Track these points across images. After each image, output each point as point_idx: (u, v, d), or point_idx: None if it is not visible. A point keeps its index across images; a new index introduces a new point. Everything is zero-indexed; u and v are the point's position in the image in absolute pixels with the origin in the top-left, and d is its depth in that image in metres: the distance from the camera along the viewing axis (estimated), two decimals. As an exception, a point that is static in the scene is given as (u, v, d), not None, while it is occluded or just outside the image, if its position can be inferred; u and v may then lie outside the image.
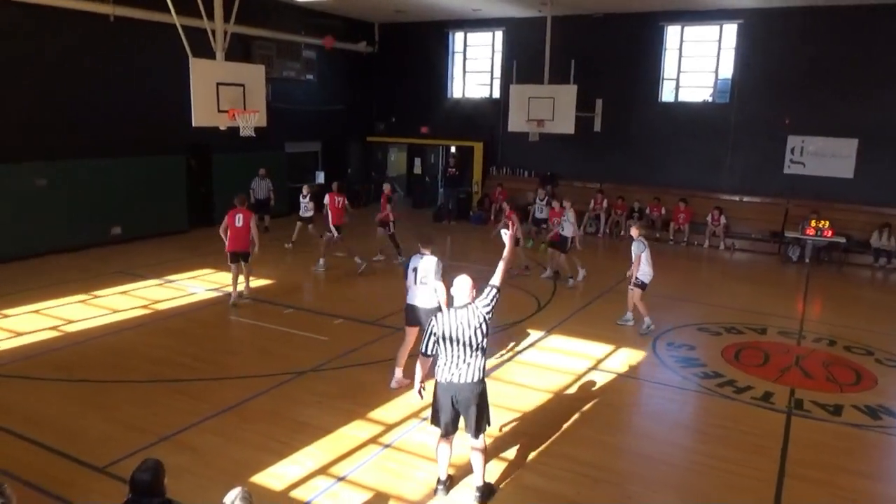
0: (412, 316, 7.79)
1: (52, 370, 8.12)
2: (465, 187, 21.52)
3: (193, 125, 10.91)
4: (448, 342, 5.29)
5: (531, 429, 6.98)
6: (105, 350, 8.89)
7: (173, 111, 12.95)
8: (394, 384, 7.80)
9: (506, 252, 5.71)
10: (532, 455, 6.42)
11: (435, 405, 5.54)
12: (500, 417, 6.90)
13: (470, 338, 5.28)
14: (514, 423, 7.06)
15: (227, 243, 11.10)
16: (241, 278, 11.36)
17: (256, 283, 12.09)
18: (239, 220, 11.12)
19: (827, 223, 15.59)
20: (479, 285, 5.50)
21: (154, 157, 15.78)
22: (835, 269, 15.69)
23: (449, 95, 22.37)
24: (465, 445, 5.66)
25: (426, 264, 7.67)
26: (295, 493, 5.66)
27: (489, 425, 5.62)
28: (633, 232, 10.12)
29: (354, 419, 7.00)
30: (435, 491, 5.68)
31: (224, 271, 12.34)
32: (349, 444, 6.49)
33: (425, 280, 7.64)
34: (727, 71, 18.33)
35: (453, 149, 22.45)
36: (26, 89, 13.33)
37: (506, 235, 5.75)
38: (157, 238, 15.81)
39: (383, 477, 5.95)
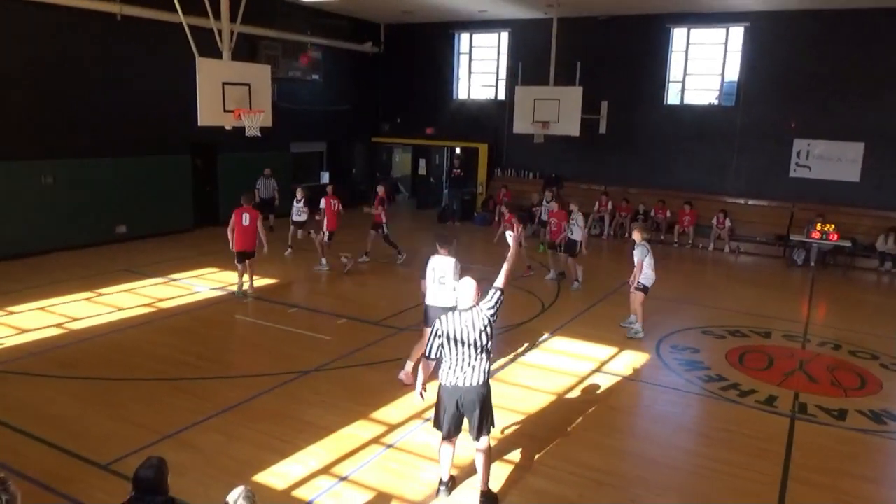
0: (431, 316, 7.79)
1: (56, 367, 8.15)
2: (470, 188, 21.53)
3: (199, 124, 10.96)
4: (453, 345, 5.26)
5: (534, 431, 6.98)
6: (109, 348, 8.91)
7: (179, 110, 13.01)
8: (401, 375, 7.84)
9: (510, 254, 5.72)
10: (535, 457, 6.41)
11: (439, 408, 5.51)
12: (504, 419, 6.89)
13: (475, 340, 5.26)
14: (517, 425, 7.05)
15: (231, 242, 11.19)
16: (246, 276, 11.52)
17: (260, 282, 12.14)
18: (246, 219, 11.25)
19: (832, 227, 15.54)
20: (484, 287, 5.49)
21: (159, 156, 15.83)
22: (840, 272, 15.65)
23: (454, 96, 22.38)
24: (469, 447, 5.66)
25: (444, 264, 7.74)
26: (297, 493, 5.66)
27: (493, 427, 5.60)
28: (636, 236, 10.00)
29: (357, 419, 7.00)
30: (437, 492, 5.68)
31: (228, 270, 12.39)
32: (352, 444, 6.49)
33: (444, 280, 7.71)
34: (733, 74, 18.30)
35: (458, 150, 22.46)
36: (33, 88, 13.38)
37: (510, 238, 5.74)
38: (162, 237, 15.85)
39: (385, 477, 5.95)
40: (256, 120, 11.53)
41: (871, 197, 16.67)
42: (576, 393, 8.03)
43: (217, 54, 11.32)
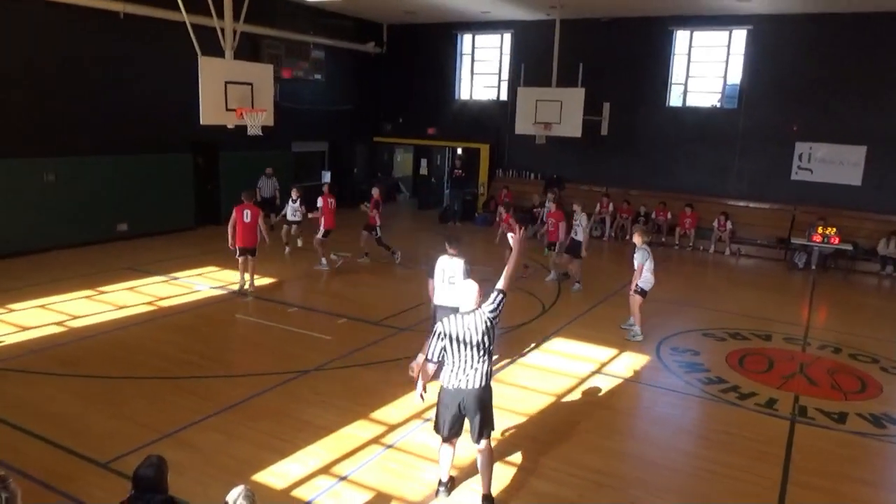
0: (440, 315, 7.80)
1: (57, 365, 8.15)
2: (471, 189, 21.53)
3: (201, 123, 10.96)
4: (455, 347, 5.23)
5: (534, 432, 6.98)
6: (110, 346, 8.91)
7: (181, 109, 13.02)
8: (412, 364, 7.68)
9: (512, 256, 5.70)
10: (535, 458, 6.41)
11: (440, 410, 5.48)
12: (504, 420, 6.89)
13: (477, 343, 5.24)
14: (517, 427, 7.05)
15: (230, 239, 11.36)
16: (247, 276, 11.63)
17: (261, 281, 12.15)
18: (247, 215, 11.42)
19: (834, 230, 15.52)
20: (486, 288, 5.48)
21: (161, 154, 15.85)
22: (841, 276, 15.65)
23: (456, 97, 22.39)
24: (470, 447, 5.65)
25: (454, 264, 7.80)
26: (297, 492, 5.66)
27: (492, 430, 5.57)
28: (637, 239, 9.95)
29: (357, 419, 7.01)
30: (437, 492, 5.68)
31: (230, 269, 12.41)
32: (351, 444, 6.49)
33: (453, 280, 7.75)
34: (736, 77, 18.29)
35: (460, 150, 22.48)
36: (36, 85, 13.39)
37: (512, 240, 5.74)
38: (164, 235, 15.87)
39: (385, 477, 5.95)
40: (258, 119, 11.54)
41: (872, 200, 16.66)
42: (576, 394, 8.03)
43: (220, 53, 11.32)
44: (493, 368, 6.47)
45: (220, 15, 11.25)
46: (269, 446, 6.35)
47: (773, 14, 16.97)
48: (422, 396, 5.59)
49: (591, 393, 8.08)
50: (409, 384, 7.83)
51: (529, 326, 10.46)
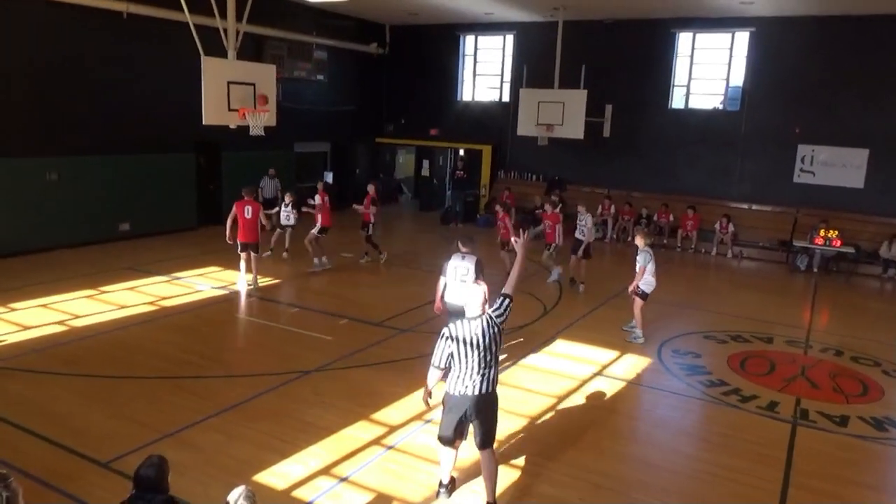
0: (450, 313, 7.93)
1: (58, 364, 8.16)
2: (473, 190, 21.53)
3: (204, 123, 10.97)
4: (462, 353, 5.15)
5: (535, 433, 6.98)
6: (111, 345, 8.92)
7: (184, 109, 13.02)
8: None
9: (517, 260, 5.67)
10: (535, 460, 6.40)
11: (446, 419, 5.38)
12: (505, 422, 6.85)
13: (484, 348, 5.15)
14: (518, 428, 7.04)
15: (228, 231, 11.68)
16: (250, 276, 11.72)
17: (262, 281, 12.16)
18: (248, 211, 11.62)
19: (836, 233, 15.49)
20: (493, 289, 5.48)
21: (163, 154, 15.86)
22: (843, 279, 15.62)
23: (459, 98, 22.40)
24: (471, 449, 5.63)
25: (467, 263, 7.87)
26: (297, 493, 5.66)
27: (494, 438, 5.50)
28: (639, 241, 9.93)
29: (358, 420, 7.00)
30: (437, 494, 5.67)
31: (231, 269, 12.42)
32: (352, 445, 6.49)
33: (465, 279, 7.82)
34: (738, 79, 18.28)
35: (462, 151, 22.48)
36: (39, 84, 13.41)
37: (518, 244, 5.73)
38: (166, 235, 15.88)
39: (386, 478, 5.95)
40: (261, 119, 11.56)
41: (874, 203, 16.65)
42: (577, 396, 8.02)
43: (222, 53, 11.34)
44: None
45: (224, 15, 11.27)
46: (269, 447, 6.35)
47: (776, 16, 16.95)
48: (426, 402, 5.52)
49: (593, 395, 8.07)
50: (410, 385, 7.86)
51: (531, 328, 10.45)
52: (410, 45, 22.32)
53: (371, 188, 14.29)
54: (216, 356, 8.90)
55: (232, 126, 11.67)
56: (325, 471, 6.02)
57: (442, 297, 8.19)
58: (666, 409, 7.97)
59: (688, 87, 19.05)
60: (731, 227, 17.31)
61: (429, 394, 5.50)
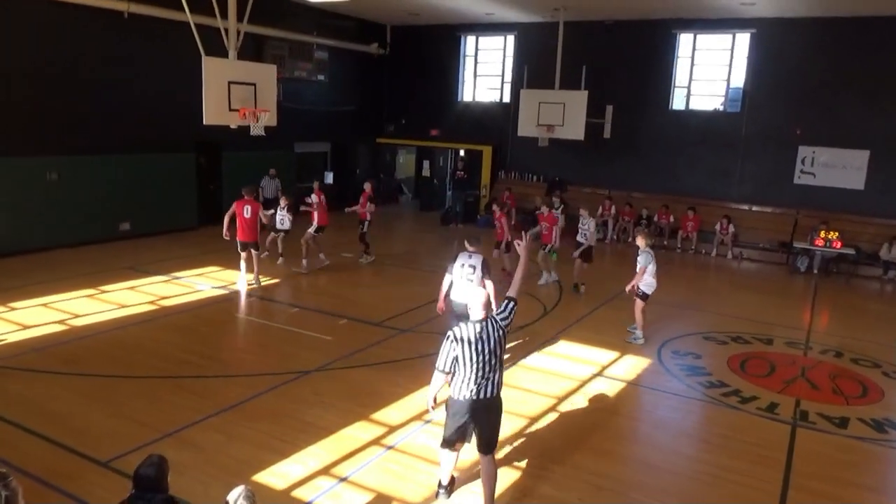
0: (456, 311, 7.98)
1: (58, 364, 8.16)
2: (474, 191, 21.53)
3: (204, 123, 10.98)
4: (467, 357, 5.07)
5: (535, 434, 6.97)
6: (111, 345, 8.92)
7: (184, 109, 13.03)
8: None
9: (520, 263, 5.67)
10: (535, 461, 6.40)
11: (448, 421, 5.33)
12: (505, 423, 6.81)
13: (490, 351, 5.09)
14: (518, 428, 7.04)
15: (225, 229, 11.77)
16: (250, 267, 11.87)
17: (262, 281, 12.16)
18: (247, 210, 11.67)
19: (836, 234, 15.50)
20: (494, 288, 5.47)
21: (164, 154, 15.86)
22: (843, 280, 15.62)
23: (459, 99, 22.40)
24: (471, 450, 5.62)
25: (474, 262, 7.93)
26: (297, 493, 5.66)
27: (496, 444, 5.46)
28: (640, 242, 9.92)
29: (358, 420, 7.00)
30: (436, 494, 5.67)
31: (232, 269, 12.42)
32: (352, 445, 6.48)
33: (472, 277, 7.88)
34: (739, 80, 18.28)
35: (462, 152, 22.48)
36: (40, 84, 13.41)
37: (520, 247, 5.72)
38: (166, 235, 15.88)
39: (385, 479, 5.94)
40: (262, 119, 11.58)
41: (875, 205, 16.64)
42: (576, 397, 8.02)
43: (223, 53, 11.35)
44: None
45: (225, 15, 11.29)
46: (269, 447, 6.35)
47: (777, 17, 16.95)
48: (432, 408, 5.44)
49: (593, 396, 8.07)
50: (410, 385, 7.87)
51: (531, 328, 10.44)
52: (411, 46, 22.32)
53: (367, 186, 14.25)
54: (216, 356, 8.91)
55: (232, 126, 11.69)
56: (325, 471, 6.01)
57: (446, 296, 8.21)
58: (666, 411, 7.97)
59: (688, 88, 19.04)
60: (731, 229, 17.32)
61: (434, 400, 5.40)
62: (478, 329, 5.13)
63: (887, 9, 15.27)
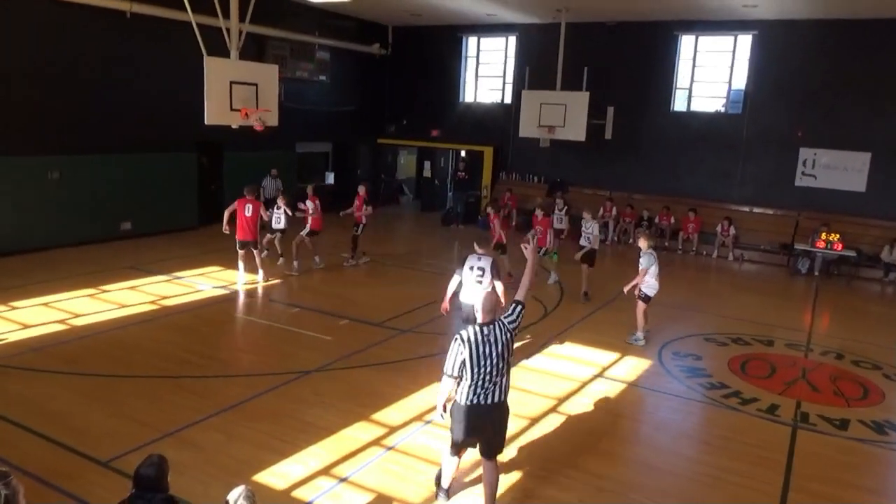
0: (465, 312, 8.02)
1: (58, 363, 8.16)
2: (475, 191, 21.53)
3: (206, 123, 10.99)
4: (475, 361, 4.99)
5: (535, 435, 6.97)
6: (112, 344, 8.92)
7: (186, 109, 13.05)
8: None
9: (528, 267, 5.64)
10: (535, 461, 6.40)
11: (458, 429, 5.21)
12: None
13: (498, 356, 5.02)
14: (518, 429, 7.02)
15: (225, 223, 11.91)
16: (250, 267, 12.03)
17: (263, 282, 12.17)
18: (248, 209, 11.75)
19: (837, 236, 15.51)
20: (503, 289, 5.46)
21: (165, 153, 15.87)
22: (844, 282, 15.61)
23: (461, 99, 22.41)
24: (472, 451, 5.62)
25: (483, 263, 7.93)
26: (297, 493, 5.66)
27: (502, 450, 5.41)
28: (642, 244, 9.91)
29: (358, 420, 7.00)
30: (436, 495, 5.65)
31: (232, 269, 12.42)
32: (352, 446, 6.48)
33: (481, 278, 7.88)
34: (740, 82, 18.28)
35: (463, 153, 22.48)
36: (41, 83, 13.42)
37: (527, 250, 5.71)
38: (167, 234, 15.88)
39: (385, 479, 5.94)
40: (265, 117, 11.62)
41: (876, 207, 16.63)
42: (577, 398, 8.01)
43: (225, 53, 11.36)
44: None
45: (226, 15, 11.30)
46: (269, 447, 6.35)
47: (779, 20, 16.95)
48: (442, 415, 5.33)
49: (593, 397, 8.06)
50: (410, 386, 7.87)
51: (531, 329, 10.43)
52: (412, 46, 22.34)
53: (361, 189, 14.06)
54: (216, 356, 8.91)
55: (234, 126, 11.70)
56: (325, 471, 6.01)
57: (453, 297, 8.21)
58: (666, 412, 7.97)
59: (690, 89, 19.05)
60: (732, 230, 17.31)
61: (444, 408, 5.30)
62: (485, 332, 5.07)
63: (889, 11, 15.26)
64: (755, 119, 17.87)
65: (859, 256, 15.94)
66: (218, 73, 10.98)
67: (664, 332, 10.56)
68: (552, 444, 6.79)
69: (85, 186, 14.33)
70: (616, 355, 9.47)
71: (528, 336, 10.02)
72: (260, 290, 11.91)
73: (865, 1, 14.62)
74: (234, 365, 8.68)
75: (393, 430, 6.87)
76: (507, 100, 21.39)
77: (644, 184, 19.28)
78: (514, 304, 5.29)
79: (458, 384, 5.14)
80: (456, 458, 5.48)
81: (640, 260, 9.83)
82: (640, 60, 18.99)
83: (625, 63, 19.06)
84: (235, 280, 12.07)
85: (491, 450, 5.29)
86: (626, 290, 9.98)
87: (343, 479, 5.90)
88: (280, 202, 13.56)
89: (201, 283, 12.14)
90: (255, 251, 12.01)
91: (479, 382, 5.05)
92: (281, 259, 13.69)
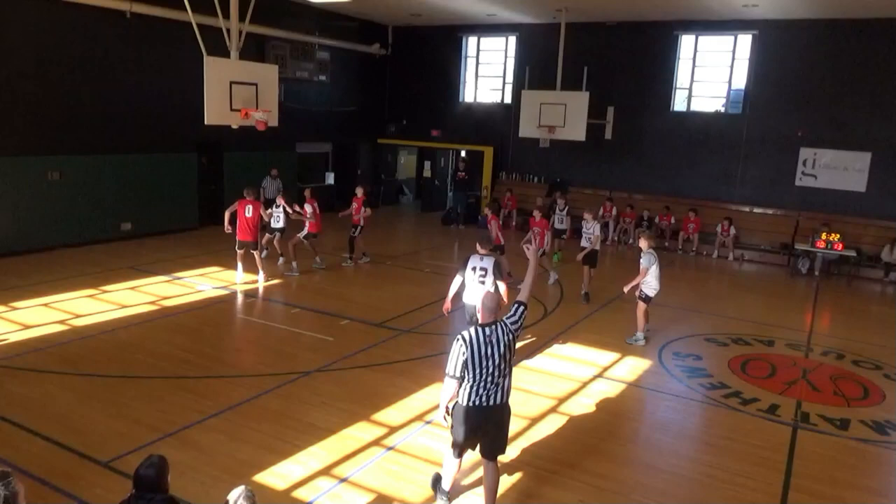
0: (468, 313, 8.03)
1: (59, 364, 8.16)
2: (475, 192, 21.53)
3: (206, 123, 10.98)
4: (477, 362, 4.96)
5: (534, 435, 6.97)
6: (112, 345, 8.92)
7: (186, 109, 13.05)
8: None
9: (530, 268, 5.64)
10: (535, 462, 6.40)
11: (460, 431, 5.18)
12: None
13: (500, 357, 5.00)
14: (518, 429, 7.02)
15: (226, 223, 12.01)
16: (249, 267, 12.07)
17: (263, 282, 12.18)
18: (249, 210, 11.81)
19: (837, 236, 15.51)
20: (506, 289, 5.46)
21: (165, 154, 15.87)
22: (844, 282, 15.61)
23: (461, 99, 22.41)
24: (472, 453, 5.61)
25: (486, 264, 7.94)
26: (297, 493, 5.66)
27: (504, 451, 5.39)
28: (643, 244, 9.91)
29: (358, 421, 7.00)
30: (435, 496, 5.64)
31: (233, 269, 12.42)
32: (352, 446, 6.49)
33: (483, 279, 7.88)
34: (741, 81, 18.27)
35: (463, 153, 22.48)
36: (41, 83, 13.42)
37: (528, 251, 5.70)
38: (167, 235, 15.88)
39: (386, 479, 5.94)
40: (265, 116, 11.63)
41: (877, 207, 16.63)
42: (577, 398, 8.01)
43: (225, 53, 11.35)
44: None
45: (226, 15, 11.29)
46: (270, 447, 6.35)
47: (779, 19, 16.95)
48: (445, 418, 5.28)
49: (593, 397, 8.06)
50: (411, 386, 7.87)
51: (531, 329, 10.43)
52: (413, 46, 22.34)
53: (359, 190, 14.01)
54: (217, 356, 8.90)
55: (234, 126, 11.69)
56: (326, 471, 6.01)
57: (454, 297, 8.22)
58: (666, 412, 7.97)
59: (690, 89, 19.04)
60: (732, 230, 17.30)
61: (447, 410, 5.25)
62: (487, 332, 5.03)
63: (889, 11, 15.26)
64: (755, 119, 17.87)
65: (860, 256, 15.94)
66: (218, 73, 10.98)
67: (664, 332, 10.56)
68: (552, 444, 6.79)
69: (85, 187, 14.33)
70: (616, 355, 9.47)
71: (529, 336, 10.02)
72: (260, 291, 11.92)
73: (865, 1, 14.62)
74: (235, 365, 8.68)
75: (393, 430, 6.87)
76: (507, 100, 21.39)
77: (644, 184, 19.28)
78: (516, 305, 5.26)
79: (461, 385, 5.11)
80: (458, 459, 5.45)
81: (641, 260, 9.84)
82: (641, 60, 18.99)
83: (625, 63, 19.06)
84: (234, 280, 12.06)
85: (492, 451, 5.27)
86: (626, 290, 9.98)
87: (343, 480, 5.90)
88: (279, 200, 13.51)
89: (201, 283, 12.14)
90: (254, 252, 12.04)
91: (481, 384, 5.02)
92: (281, 259, 13.66)
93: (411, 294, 12.07)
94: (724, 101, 18.78)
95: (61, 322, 9.65)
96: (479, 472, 5.71)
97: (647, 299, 9.90)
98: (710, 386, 8.59)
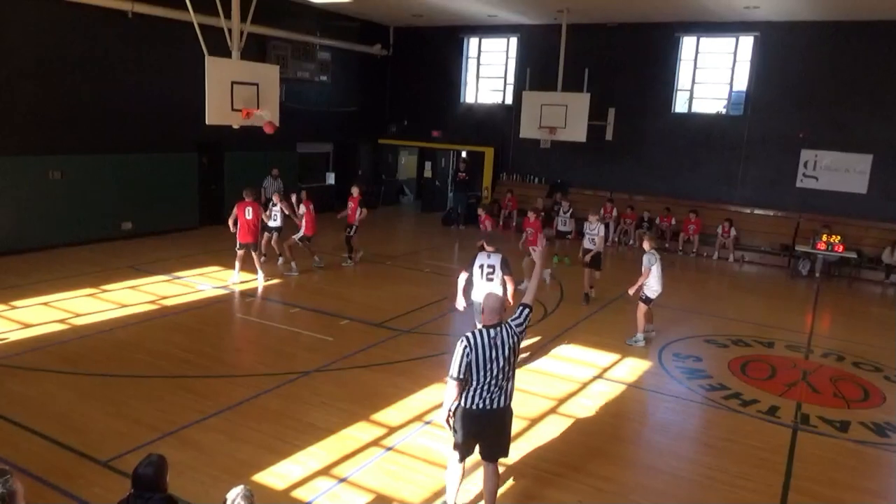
0: (476, 311, 8.02)
1: (58, 363, 8.16)
2: (475, 192, 21.52)
3: (207, 123, 10.98)
4: (481, 365, 4.88)
5: (534, 436, 6.96)
6: (112, 344, 8.92)
7: (187, 109, 13.05)
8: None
9: (535, 270, 5.64)
10: (534, 462, 6.40)
11: (462, 433, 5.09)
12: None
13: (504, 359, 4.93)
14: (517, 430, 7.00)
15: (231, 226, 11.94)
16: (248, 268, 12.04)
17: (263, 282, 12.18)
18: (248, 212, 11.84)
19: (838, 238, 15.50)
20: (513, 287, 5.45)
21: (166, 153, 15.88)
22: (845, 284, 15.60)
23: (462, 100, 22.41)
24: (473, 454, 5.60)
25: (493, 261, 7.97)
26: (296, 493, 5.66)
27: (507, 454, 5.34)
28: (645, 245, 9.91)
29: (357, 421, 7.00)
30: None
31: (233, 269, 12.40)
32: (352, 446, 6.48)
33: (491, 276, 7.92)
34: (742, 83, 18.28)
35: (464, 153, 22.49)
36: (43, 83, 13.42)
37: (535, 253, 5.70)
38: (168, 234, 15.89)
39: (385, 480, 5.94)
40: (271, 116, 11.64)
41: (877, 209, 16.62)
42: (576, 399, 8.01)
43: (226, 53, 11.35)
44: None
45: (228, 15, 11.29)
46: (269, 447, 6.35)
47: (781, 21, 16.95)
48: (448, 421, 5.19)
49: (593, 398, 8.06)
50: (410, 386, 7.87)
51: (531, 330, 10.39)
52: (414, 47, 22.35)
53: (355, 190, 13.92)
54: (216, 356, 8.90)
55: (235, 126, 11.69)
56: (325, 471, 6.01)
57: (464, 293, 8.22)
58: (666, 413, 7.96)
59: (691, 91, 19.04)
60: (732, 232, 17.30)
61: (450, 412, 5.15)
62: (492, 335, 4.95)
63: (890, 13, 15.27)
64: (757, 121, 17.86)
65: (860, 258, 15.94)
66: (219, 73, 10.97)
67: (664, 333, 10.55)
68: (552, 444, 6.79)
69: (86, 186, 14.33)
70: (616, 356, 9.46)
71: (529, 336, 10.00)
72: (260, 291, 11.93)
73: (867, 3, 14.62)
74: (235, 365, 8.67)
75: (393, 430, 6.87)
76: (508, 101, 21.40)
77: (645, 185, 19.28)
78: (521, 307, 5.22)
79: (463, 387, 5.04)
80: (462, 464, 5.31)
81: (643, 260, 9.83)
82: (642, 62, 18.99)
83: (626, 64, 19.06)
84: (237, 280, 12.06)
85: (493, 454, 5.23)
86: (631, 292, 9.98)
87: (343, 480, 5.90)
88: (275, 199, 13.42)
89: (201, 283, 12.14)
90: (254, 253, 12.05)
91: (485, 387, 4.95)
92: (280, 259, 13.64)
93: (411, 294, 12.06)
94: (725, 102, 18.76)
95: (61, 321, 9.65)
96: (479, 473, 5.69)
97: (647, 301, 9.89)
98: (709, 387, 8.58)
